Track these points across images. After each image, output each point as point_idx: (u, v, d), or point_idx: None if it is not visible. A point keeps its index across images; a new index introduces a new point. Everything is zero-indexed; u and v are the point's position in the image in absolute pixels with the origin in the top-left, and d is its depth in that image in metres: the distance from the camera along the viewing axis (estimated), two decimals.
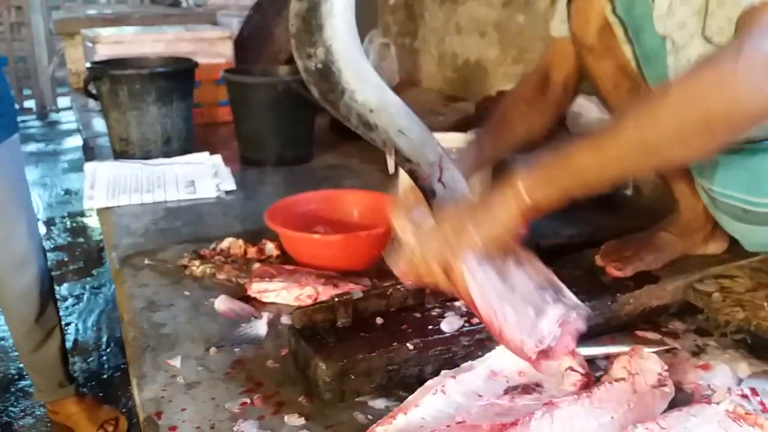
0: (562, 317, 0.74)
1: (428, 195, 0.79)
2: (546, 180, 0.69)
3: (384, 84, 0.72)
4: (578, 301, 0.76)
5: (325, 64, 0.65)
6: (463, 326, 0.78)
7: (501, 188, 0.71)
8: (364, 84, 0.69)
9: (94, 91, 1.67)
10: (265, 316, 0.92)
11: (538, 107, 1.07)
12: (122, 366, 2.09)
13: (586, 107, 1.59)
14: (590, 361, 0.82)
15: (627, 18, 0.87)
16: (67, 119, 5.20)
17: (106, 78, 1.62)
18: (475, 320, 0.79)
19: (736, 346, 0.86)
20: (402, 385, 0.74)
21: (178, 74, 1.66)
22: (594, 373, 0.78)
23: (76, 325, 2.35)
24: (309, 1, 0.62)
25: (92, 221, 3.23)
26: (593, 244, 1.05)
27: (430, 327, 0.77)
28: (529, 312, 0.72)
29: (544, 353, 0.71)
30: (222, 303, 0.96)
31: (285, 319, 0.91)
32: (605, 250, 0.99)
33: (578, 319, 0.74)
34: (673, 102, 0.64)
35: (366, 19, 2.33)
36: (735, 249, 1.02)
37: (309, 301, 0.96)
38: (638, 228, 1.12)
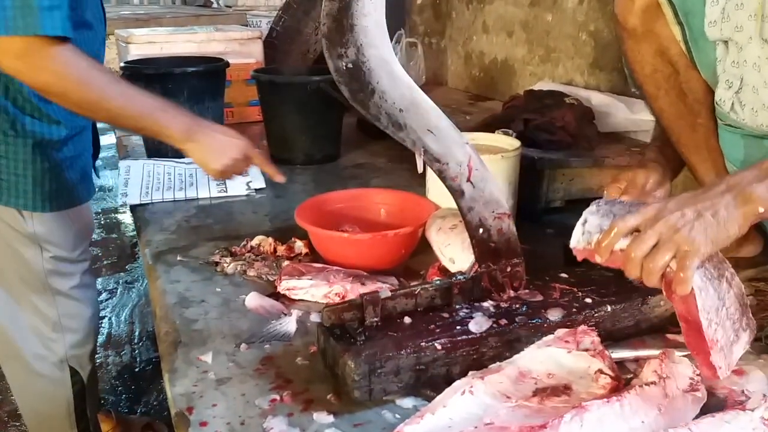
0: (748, 343, 0.73)
1: (457, 195, 0.79)
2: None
3: (413, 83, 0.72)
4: (752, 320, 0.75)
5: (355, 63, 0.65)
6: (491, 327, 0.78)
7: (731, 192, 0.67)
8: (394, 83, 0.69)
9: None
10: (295, 313, 0.93)
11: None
12: (154, 360, 2.13)
13: (614, 106, 1.58)
14: (620, 363, 0.81)
15: (678, 0, 0.87)
16: None
17: (140, 78, 1.65)
18: (503, 321, 0.79)
19: None
20: (430, 384, 0.74)
21: (210, 74, 1.69)
22: (624, 376, 0.78)
23: (110, 318, 2.41)
24: (340, 1, 0.62)
25: (125, 217, 3.30)
26: None
27: (458, 327, 0.77)
28: (730, 335, 0.71)
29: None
30: (252, 300, 0.98)
31: (314, 317, 0.92)
32: None
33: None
34: None
35: (393, 19, 2.33)
36: None
37: (337, 299, 0.97)
38: None
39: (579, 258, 0.76)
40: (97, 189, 1.47)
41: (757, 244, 1.00)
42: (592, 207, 0.77)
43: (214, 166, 1.16)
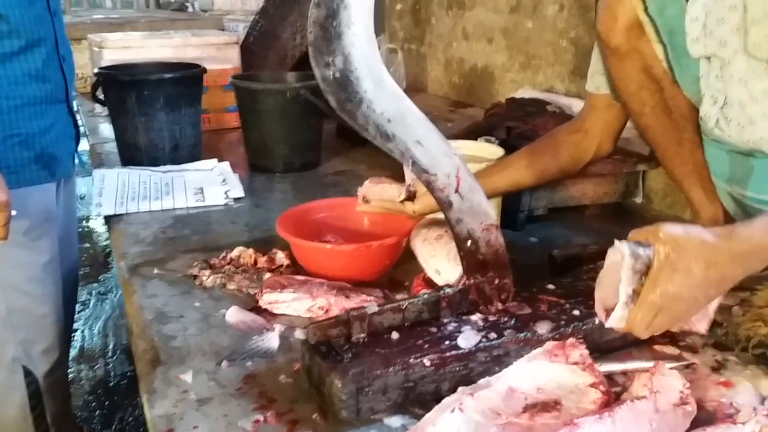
0: None
1: (445, 206, 0.78)
2: (746, 267, 0.69)
3: (401, 93, 0.70)
4: None
5: (343, 72, 0.63)
6: (480, 342, 0.76)
7: (718, 271, 0.67)
8: (383, 93, 0.67)
9: (101, 97, 1.67)
10: (277, 328, 0.91)
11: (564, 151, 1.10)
12: (128, 374, 2.08)
13: None
14: (608, 376, 0.80)
15: (659, 18, 0.86)
16: None
17: (115, 84, 1.61)
18: (492, 335, 0.78)
19: (757, 362, 0.84)
20: (418, 402, 0.73)
21: (187, 80, 1.65)
22: (613, 389, 0.77)
23: (83, 332, 2.35)
24: (328, 9, 0.60)
25: (98, 226, 3.22)
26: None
27: (447, 342, 0.75)
28: None
29: None
30: (233, 314, 0.95)
31: (297, 332, 0.90)
32: None
33: None
34: None
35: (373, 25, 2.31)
36: None
37: (321, 313, 0.95)
38: None
39: None
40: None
41: None
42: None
43: None
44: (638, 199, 1.47)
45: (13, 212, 1.08)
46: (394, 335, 0.76)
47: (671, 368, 0.80)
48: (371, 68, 0.63)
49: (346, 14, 0.59)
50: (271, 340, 0.88)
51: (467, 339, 0.76)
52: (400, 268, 1.10)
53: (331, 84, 0.62)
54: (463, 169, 0.76)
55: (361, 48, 0.61)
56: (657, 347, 0.89)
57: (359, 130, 0.67)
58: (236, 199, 1.47)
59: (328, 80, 0.62)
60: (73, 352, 2.20)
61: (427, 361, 0.72)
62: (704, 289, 0.68)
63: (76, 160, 1.39)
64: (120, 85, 1.60)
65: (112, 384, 2.06)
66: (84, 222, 3.32)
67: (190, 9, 4.21)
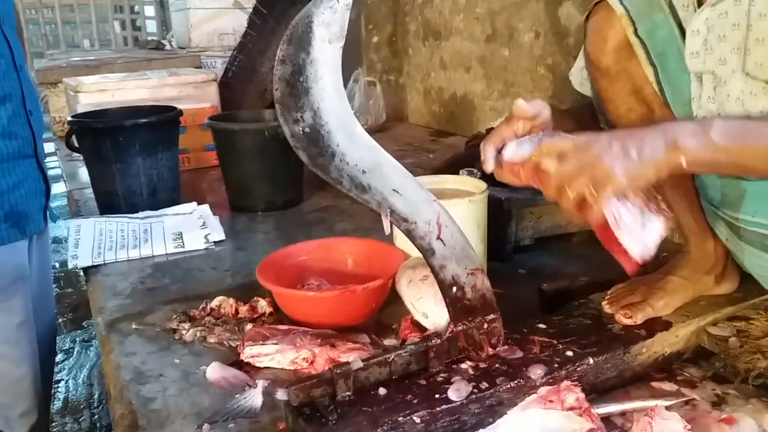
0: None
1: (427, 253, 0.75)
2: (709, 160, 0.68)
3: (375, 143, 0.68)
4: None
5: (313, 127, 0.61)
6: (471, 393, 0.73)
7: (663, 137, 0.68)
8: (356, 145, 0.65)
9: (77, 144, 1.64)
10: (260, 384, 0.87)
11: None
12: None
13: None
14: (606, 418, 0.77)
15: (649, 40, 0.85)
16: (52, 164, 5.14)
17: (89, 131, 1.59)
18: (483, 384, 0.75)
19: (758, 395, 0.82)
20: None
21: (162, 124, 1.63)
22: None
23: (66, 382, 2.27)
24: (293, 65, 0.59)
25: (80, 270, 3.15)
26: (598, 286, 1.01)
27: (437, 396, 0.72)
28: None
29: None
30: (214, 371, 0.91)
31: (281, 391, 0.86)
32: (612, 296, 0.95)
33: None
34: None
35: (350, 58, 2.32)
36: (746, 287, 0.99)
37: (305, 365, 0.91)
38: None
39: (506, 171, 0.76)
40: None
41: (734, 281, 0.98)
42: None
43: None
44: None
45: None
46: (382, 391, 0.73)
47: (670, 405, 0.77)
48: (342, 121, 0.61)
49: (313, 69, 0.57)
50: (254, 398, 0.84)
51: (458, 390, 0.73)
52: (387, 310, 1.06)
53: (300, 140, 0.60)
54: (443, 215, 0.73)
55: (330, 102, 0.59)
56: (655, 384, 0.87)
57: (333, 183, 0.65)
58: (217, 243, 1.44)
59: (297, 136, 0.60)
60: (57, 404, 2.13)
61: (417, 418, 0.69)
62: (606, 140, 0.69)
63: (48, 215, 1.35)
64: (94, 133, 1.57)
65: None
66: (66, 266, 3.25)
67: (167, 47, 4.20)
